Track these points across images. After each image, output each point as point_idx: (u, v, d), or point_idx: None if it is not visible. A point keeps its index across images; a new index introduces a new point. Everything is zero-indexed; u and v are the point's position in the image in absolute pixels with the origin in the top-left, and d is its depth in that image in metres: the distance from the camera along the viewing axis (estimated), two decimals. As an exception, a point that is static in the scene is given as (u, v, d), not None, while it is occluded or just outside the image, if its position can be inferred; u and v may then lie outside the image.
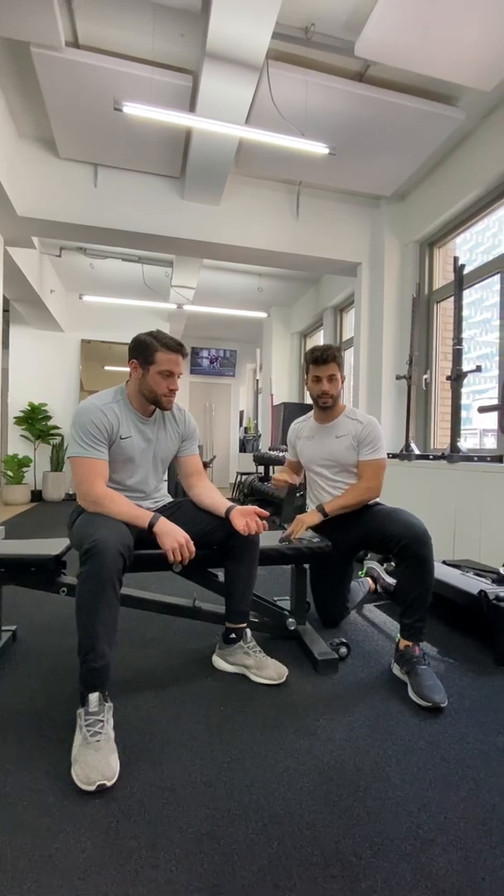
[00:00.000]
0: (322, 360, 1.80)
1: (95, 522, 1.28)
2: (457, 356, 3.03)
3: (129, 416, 1.51)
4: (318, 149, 2.58)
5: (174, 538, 1.34)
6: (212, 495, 1.58)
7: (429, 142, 3.05)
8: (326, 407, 1.86)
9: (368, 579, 2.23)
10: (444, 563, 2.24)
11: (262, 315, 6.07)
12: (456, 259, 3.07)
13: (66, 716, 1.24)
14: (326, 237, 3.85)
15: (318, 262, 3.98)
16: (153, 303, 5.78)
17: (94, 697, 1.13)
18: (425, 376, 3.66)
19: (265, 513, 1.51)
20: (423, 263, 3.74)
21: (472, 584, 1.91)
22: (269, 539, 1.77)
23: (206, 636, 1.77)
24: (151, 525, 1.34)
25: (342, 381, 1.86)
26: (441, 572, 2.01)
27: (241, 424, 8.68)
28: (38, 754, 1.13)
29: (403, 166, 3.30)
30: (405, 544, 1.46)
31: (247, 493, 5.86)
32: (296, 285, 5.76)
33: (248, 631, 1.58)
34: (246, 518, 1.47)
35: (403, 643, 1.48)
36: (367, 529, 1.69)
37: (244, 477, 6.24)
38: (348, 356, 5.05)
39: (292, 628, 1.78)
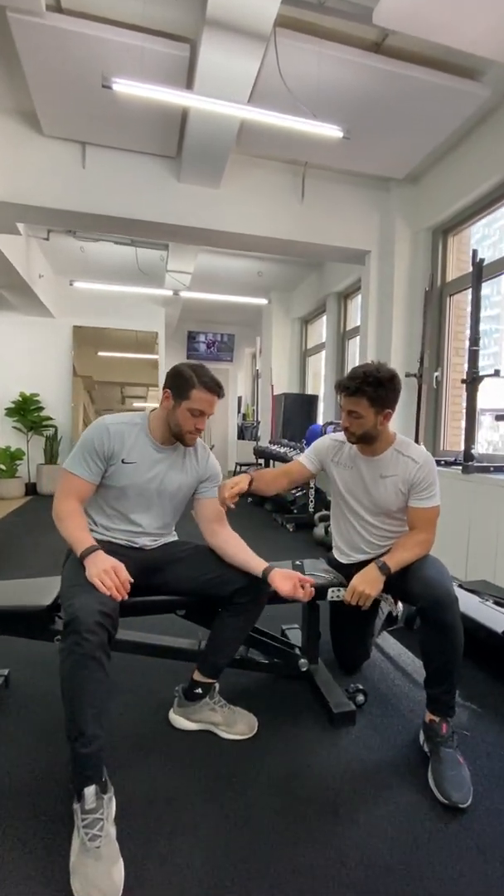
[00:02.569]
0: (344, 391, 1.45)
1: (79, 584, 1.16)
2: (473, 358, 2.85)
3: (143, 441, 1.41)
4: (332, 132, 2.33)
5: (98, 568, 1.15)
6: (243, 548, 1.42)
7: (448, 120, 2.79)
8: (351, 442, 1.55)
9: (383, 605, 2.11)
10: (460, 586, 2.13)
11: (263, 302, 5.80)
12: (475, 252, 2.85)
13: (65, 788, 1.14)
14: (333, 223, 3.60)
15: (324, 249, 3.74)
16: (147, 289, 5.50)
17: (89, 793, 1.01)
18: (436, 374, 3.49)
19: (311, 580, 1.36)
20: (435, 253, 3.51)
21: (495, 617, 1.81)
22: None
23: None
24: (84, 556, 1.19)
25: (385, 419, 1.47)
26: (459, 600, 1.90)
27: (239, 411, 8.49)
28: (33, 847, 1.02)
29: (419, 147, 3.05)
30: (424, 607, 1.29)
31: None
32: (297, 269, 5.50)
33: (217, 685, 1.46)
34: (293, 581, 1.31)
35: (429, 717, 1.34)
36: (391, 578, 1.46)
37: (243, 468, 6.10)
38: (353, 346, 4.86)
39: (304, 669, 1.68)
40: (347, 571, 1.65)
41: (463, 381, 2.88)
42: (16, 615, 1.41)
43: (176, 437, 1.41)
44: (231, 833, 1.08)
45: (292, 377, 6.31)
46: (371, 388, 1.41)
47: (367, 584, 1.40)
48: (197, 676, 1.43)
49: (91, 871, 0.93)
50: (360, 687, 1.60)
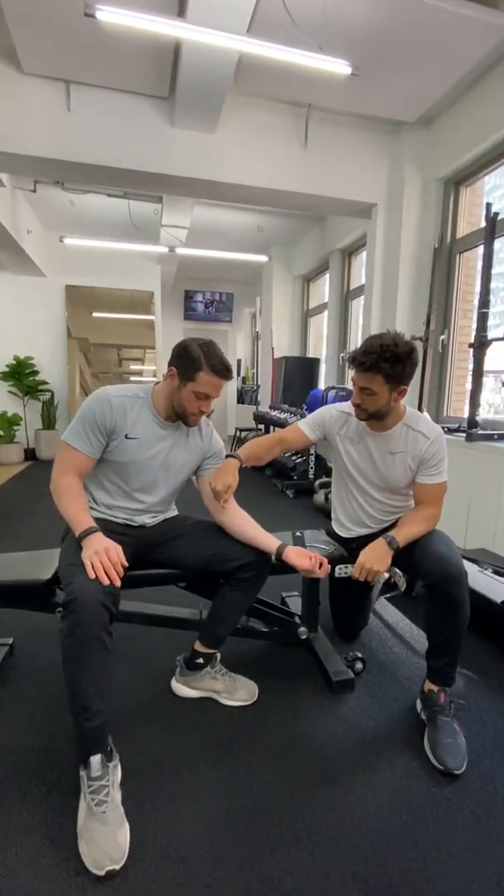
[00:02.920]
0: (358, 367, 1.33)
1: (77, 562, 1.13)
2: (481, 320, 2.74)
3: (146, 416, 1.35)
4: (339, 68, 2.12)
5: (92, 549, 1.12)
6: (253, 525, 1.41)
7: (467, 55, 2.55)
8: (361, 419, 1.46)
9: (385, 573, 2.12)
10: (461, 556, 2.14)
11: (263, 259, 5.55)
12: (489, 206, 2.68)
13: (72, 754, 1.17)
14: (339, 173, 3.37)
15: (328, 202, 3.52)
16: (141, 245, 5.24)
17: (95, 761, 1.04)
18: (442, 337, 3.37)
19: (325, 560, 1.36)
20: (446, 206, 3.30)
21: (493, 587, 1.82)
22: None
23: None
24: (82, 537, 1.16)
25: (400, 395, 1.37)
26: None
27: (238, 374, 8.33)
28: (41, 812, 1.06)
29: (433, 86, 2.80)
30: (434, 582, 1.27)
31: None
32: (299, 224, 5.22)
33: (218, 654, 1.48)
34: (309, 558, 1.33)
35: (428, 686, 1.35)
36: (396, 553, 1.42)
37: (243, 433, 6.05)
38: (357, 306, 4.69)
39: (304, 637, 1.70)
40: (347, 545, 1.66)
41: (470, 346, 2.78)
42: (16, 589, 1.41)
43: (178, 416, 1.36)
44: (232, 798, 1.12)
45: (293, 339, 6.14)
46: (388, 365, 1.30)
47: (376, 560, 1.35)
48: (198, 647, 1.44)
49: (97, 834, 0.96)
50: (359, 655, 1.62)
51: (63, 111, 2.84)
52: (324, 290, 5.51)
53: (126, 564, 1.13)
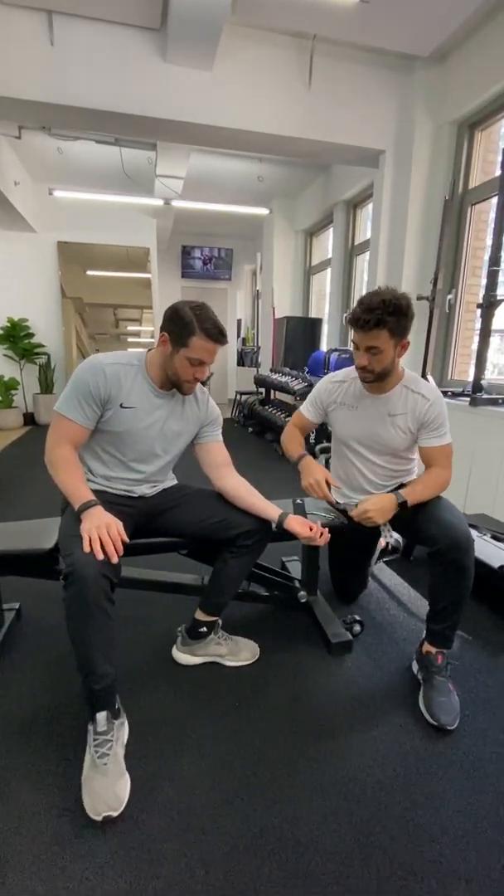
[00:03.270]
0: (360, 326, 1.30)
1: (77, 534, 1.12)
2: (491, 279, 2.63)
3: (141, 384, 1.31)
4: (347, -8, 1.91)
5: (91, 523, 1.10)
6: (253, 493, 1.42)
7: (489, -25, 2.30)
8: (367, 382, 1.44)
9: (381, 539, 2.14)
10: (459, 520, 2.16)
11: (263, 212, 5.28)
12: (505, 152, 2.51)
13: (78, 714, 1.22)
14: (345, 115, 3.13)
15: (333, 149, 3.29)
16: (135, 198, 4.97)
17: (101, 717, 1.08)
18: (450, 297, 3.25)
19: (325, 530, 1.39)
20: (459, 152, 3.09)
21: (492, 552, 1.84)
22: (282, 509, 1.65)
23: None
24: (81, 511, 1.15)
25: (403, 349, 1.36)
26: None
27: (238, 335, 8.15)
28: (48, 764, 1.12)
29: (451, 14, 2.56)
30: (441, 549, 1.27)
31: (247, 415, 5.67)
32: (302, 173, 4.93)
33: (220, 620, 1.51)
34: (310, 526, 1.36)
35: (426, 648, 1.39)
36: (401, 517, 1.44)
37: (243, 397, 5.99)
38: (361, 263, 4.50)
39: (303, 601, 1.74)
40: (347, 512, 1.66)
41: (478, 306, 2.68)
42: (20, 558, 1.42)
43: (173, 384, 1.32)
44: (235, 753, 1.17)
45: (295, 298, 5.95)
46: (393, 319, 1.27)
47: (378, 511, 1.35)
48: (200, 616, 1.47)
49: (98, 785, 1.02)
50: (357, 618, 1.66)
51: (45, 46, 2.60)
52: (327, 245, 5.28)
53: (126, 540, 1.12)
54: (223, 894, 0.87)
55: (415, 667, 1.44)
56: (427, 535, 1.32)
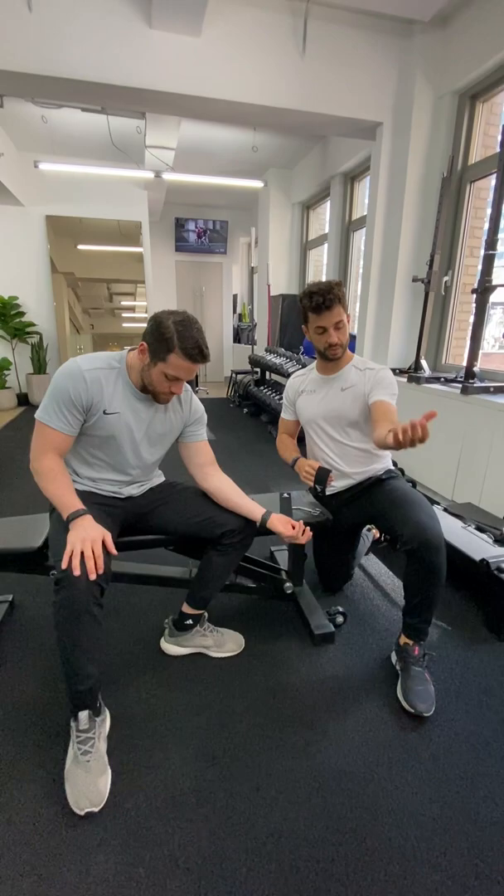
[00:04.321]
0: (325, 307, 1.49)
1: (66, 542, 1.14)
2: (487, 263, 2.58)
3: (123, 388, 1.30)
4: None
5: (78, 536, 1.10)
6: (238, 493, 1.45)
7: None
8: (336, 358, 1.62)
9: (375, 531, 2.18)
10: (445, 510, 2.19)
11: (258, 184, 5.10)
12: (505, 129, 2.41)
13: (67, 703, 1.27)
14: (341, 84, 2.99)
15: (328, 121, 3.15)
16: (125, 171, 4.77)
17: (83, 716, 1.13)
18: (446, 278, 3.19)
19: (307, 528, 1.45)
20: (459, 125, 2.97)
21: (474, 545, 1.87)
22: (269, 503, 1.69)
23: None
24: (69, 521, 1.16)
25: (349, 320, 1.57)
26: (442, 524, 1.96)
27: (234, 311, 8.01)
28: (39, 757, 1.18)
29: (453, -26, 2.39)
30: (414, 549, 1.31)
31: (242, 395, 5.64)
32: (298, 143, 4.73)
33: (206, 613, 1.56)
34: (292, 525, 1.42)
35: (404, 640, 1.45)
36: (376, 513, 1.55)
37: (239, 376, 5.94)
38: (358, 238, 4.38)
39: (289, 592, 1.78)
40: (328, 504, 1.74)
41: (473, 291, 2.64)
42: (9, 556, 1.45)
43: (149, 392, 1.31)
44: (217, 743, 1.23)
45: (291, 275, 5.82)
46: (342, 293, 1.51)
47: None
48: (186, 609, 1.52)
49: (80, 780, 1.07)
50: (340, 609, 1.72)
51: (23, 11, 2.45)
52: (324, 218, 5.12)
53: (114, 552, 1.15)
54: (204, 879, 0.94)
55: (393, 658, 1.50)
56: (400, 533, 1.36)
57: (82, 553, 1.08)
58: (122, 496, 1.42)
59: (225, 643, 1.55)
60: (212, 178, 4.84)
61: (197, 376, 6.50)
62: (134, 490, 1.45)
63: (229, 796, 1.10)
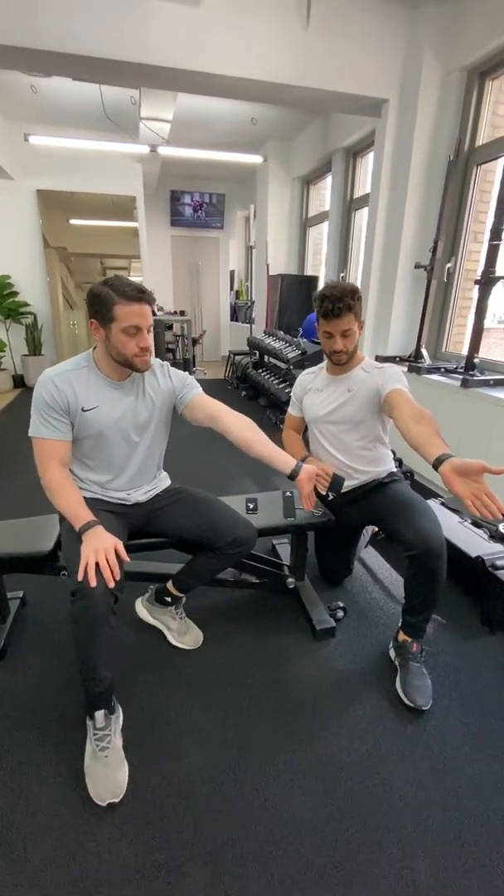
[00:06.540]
0: (335, 314, 1.48)
1: (80, 553, 1.17)
2: (491, 253, 2.55)
3: (95, 383, 1.32)
4: None
5: (91, 546, 1.14)
6: (263, 443, 1.40)
7: None
8: (340, 364, 1.63)
9: (373, 526, 2.23)
10: (442, 503, 2.24)
11: (258, 159, 4.92)
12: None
13: (82, 698, 1.34)
14: (346, 58, 2.86)
15: (332, 98, 3.04)
16: (118, 144, 4.59)
17: (99, 715, 1.19)
18: (448, 264, 3.15)
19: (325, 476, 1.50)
20: (468, 103, 2.87)
21: (471, 540, 1.93)
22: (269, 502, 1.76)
23: (199, 609, 1.83)
24: (81, 532, 1.20)
25: (361, 328, 1.56)
26: (439, 518, 2.00)
27: (231, 288, 7.85)
28: (56, 751, 1.24)
29: None
30: (416, 555, 1.36)
31: (240, 377, 5.61)
32: (299, 115, 4.55)
33: (184, 598, 1.64)
34: (313, 483, 1.43)
35: (402, 637, 1.51)
36: (379, 516, 1.58)
37: (237, 357, 5.89)
38: (360, 218, 4.28)
39: (291, 587, 1.85)
40: (330, 504, 1.76)
41: (476, 282, 2.62)
42: (21, 560, 1.49)
43: (125, 366, 1.30)
44: (226, 736, 1.31)
45: (291, 253, 5.70)
46: (356, 303, 1.50)
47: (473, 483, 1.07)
48: (170, 587, 1.59)
49: (100, 774, 1.15)
50: (341, 604, 1.78)
51: (10, -24, 2.31)
52: (325, 195, 4.98)
53: (127, 559, 1.19)
54: (217, 865, 1.02)
55: (392, 653, 1.57)
56: (403, 539, 1.41)
57: (97, 564, 1.12)
58: (130, 502, 1.45)
59: (185, 634, 1.62)
60: (209, 153, 4.68)
61: (194, 357, 6.44)
62: (141, 496, 1.48)
63: (239, 788, 1.18)
